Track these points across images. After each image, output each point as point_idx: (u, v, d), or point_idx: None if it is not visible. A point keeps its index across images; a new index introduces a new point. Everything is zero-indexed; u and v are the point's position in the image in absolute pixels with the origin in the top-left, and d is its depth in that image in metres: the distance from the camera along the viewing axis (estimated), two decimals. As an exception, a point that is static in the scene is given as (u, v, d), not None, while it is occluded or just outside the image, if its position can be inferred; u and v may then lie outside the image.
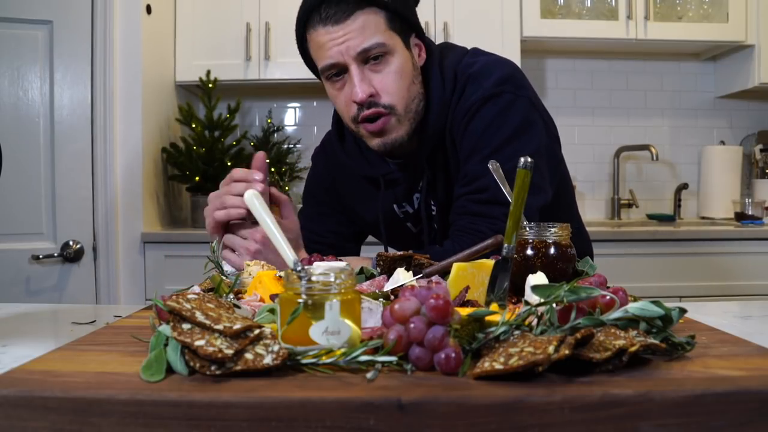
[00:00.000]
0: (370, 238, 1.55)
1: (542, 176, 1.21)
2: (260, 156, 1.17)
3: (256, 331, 0.60)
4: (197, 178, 2.71)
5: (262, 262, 0.95)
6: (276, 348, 0.59)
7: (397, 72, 1.18)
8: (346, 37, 1.15)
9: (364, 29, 1.15)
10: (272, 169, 2.89)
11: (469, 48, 1.33)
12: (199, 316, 0.61)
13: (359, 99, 1.16)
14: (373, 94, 1.17)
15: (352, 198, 1.42)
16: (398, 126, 1.21)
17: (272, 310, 0.71)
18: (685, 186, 3.18)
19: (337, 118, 1.37)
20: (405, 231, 1.38)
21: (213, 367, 0.56)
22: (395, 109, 1.19)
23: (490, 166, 1.08)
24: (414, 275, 0.87)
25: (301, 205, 1.54)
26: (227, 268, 1.14)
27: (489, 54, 1.30)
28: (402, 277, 0.86)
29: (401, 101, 1.20)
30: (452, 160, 1.25)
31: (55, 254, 2.35)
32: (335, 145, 1.37)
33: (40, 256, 2.32)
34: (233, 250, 1.14)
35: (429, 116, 1.24)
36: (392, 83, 1.18)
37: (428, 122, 1.24)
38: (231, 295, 0.82)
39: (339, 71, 1.19)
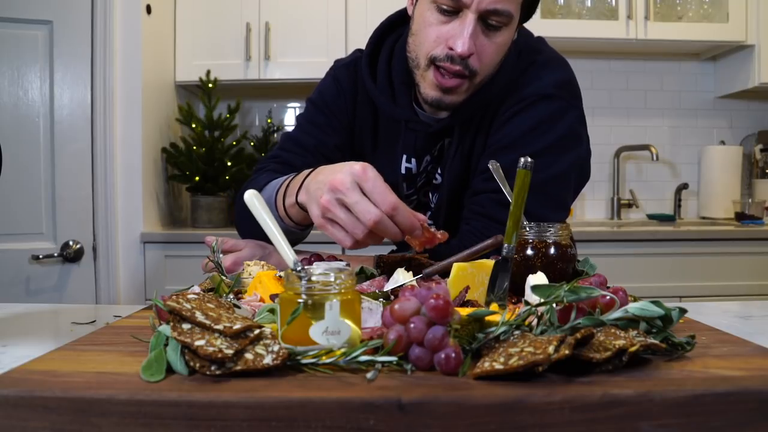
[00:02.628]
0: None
1: (569, 192, 1.20)
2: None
3: (256, 331, 0.60)
4: (197, 178, 2.71)
5: (262, 262, 0.95)
6: (276, 348, 0.59)
7: (501, 46, 1.13)
8: None
9: None
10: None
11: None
12: (199, 316, 0.61)
13: (460, 52, 1.09)
14: (472, 53, 1.11)
15: (365, 133, 1.32)
16: (463, 92, 1.15)
17: (272, 310, 0.71)
18: (685, 186, 3.18)
19: (371, 51, 1.28)
20: (396, 190, 1.32)
21: (213, 367, 0.56)
22: (476, 77, 1.14)
23: (490, 166, 1.08)
24: (414, 275, 0.87)
25: None
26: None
27: (552, 47, 1.27)
28: (402, 277, 0.86)
29: (484, 73, 1.14)
30: (482, 136, 1.21)
31: (55, 254, 2.35)
32: (365, 74, 1.27)
33: (40, 256, 2.32)
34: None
35: (485, 89, 1.18)
36: (492, 54, 1.13)
37: (481, 94, 1.18)
38: (231, 295, 0.82)
39: (452, 9, 1.10)
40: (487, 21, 1.10)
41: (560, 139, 1.17)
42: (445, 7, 1.10)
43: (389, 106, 1.25)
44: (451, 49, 1.10)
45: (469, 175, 1.23)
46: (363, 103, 1.30)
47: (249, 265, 0.94)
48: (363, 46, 1.32)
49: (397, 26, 1.30)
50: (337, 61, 1.38)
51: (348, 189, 0.86)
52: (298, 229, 1.12)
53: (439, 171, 1.28)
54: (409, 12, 1.21)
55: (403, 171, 1.28)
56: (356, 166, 0.87)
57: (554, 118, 1.17)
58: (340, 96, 1.32)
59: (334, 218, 0.89)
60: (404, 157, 1.27)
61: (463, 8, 1.09)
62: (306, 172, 1.01)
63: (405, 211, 0.87)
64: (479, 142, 1.22)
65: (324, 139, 1.30)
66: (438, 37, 1.12)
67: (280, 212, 1.09)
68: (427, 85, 1.16)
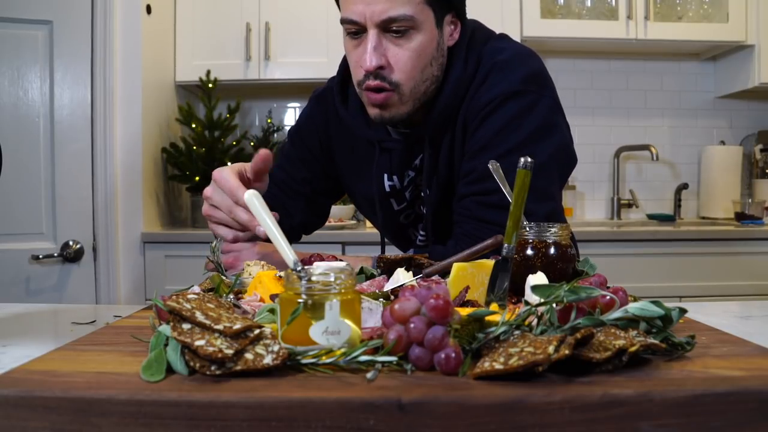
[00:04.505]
0: (370, 238, 1.54)
1: (552, 182, 1.18)
2: (263, 155, 1.12)
3: (256, 331, 0.60)
4: (197, 178, 2.71)
5: (262, 262, 0.95)
6: (276, 348, 0.59)
7: (415, 50, 1.12)
8: (376, 0, 1.09)
9: None
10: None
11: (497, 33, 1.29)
12: (199, 316, 0.61)
13: (366, 67, 1.11)
14: (384, 66, 1.12)
15: (343, 157, 1.37)
16: (399, 104, 1.16)
17: (272, 310, 0.71)
18: (685, 186, 3.18)
19: (342, 75, 1.31)
20: (387, 206, 1.33)
21: (213, 367, 0.56)
22: (400, 88, 1.14)
23: (490, 166, 1.08)
24: (414, 275, 0.87)
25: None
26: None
27: (516, 43, 1.26)
28: (402, 277, 0.85)
29: (409, 81, 1.14)
30: (458, 146, 1.21)
31: (55, 254, 2.35)
32: (337, 101, 1.31)
33: (40, 256, 2.32)
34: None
35: (440, 95, 1.19)
36: (407, 61, 1.13)
37: (438, 101, 1.19)
38: (231, 296, 0.82)
39: (358, 30, 1.13)
40: (389, 29, 1.11)
41: (534, 131, 1.15)
42: (350, 30, 1.14)
43: (362, 128, 1.28)
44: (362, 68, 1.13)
45: (452, 184, 1.24)
46: (338, 129, 1.34)
47: (249, 265, 0.94)
48: None
49: None
50: (314, 91, 1.43)
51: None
52: None
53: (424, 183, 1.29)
54: None
55: (387, 189, 1.31)
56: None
57: (525, 112, 1.15)
58: (312, 128, 1.39)
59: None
60: (385, 175, 1.30)
61: (364, 27, 1.11)
62: None
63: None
64: (457, 150, 1.21)
65: (293, 173, 1.40)
66: (355, 62, 1.16)
67: None
68: (367, 106, 1.19)
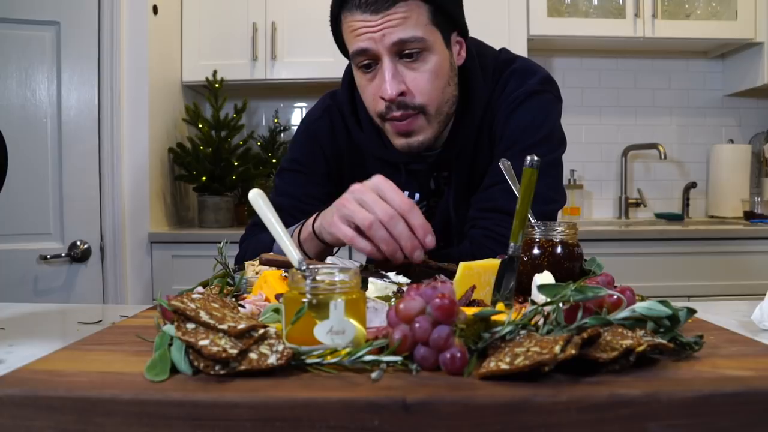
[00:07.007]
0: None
1: (559, 182, 1.24)
2: None
3: (261, 331, 0.60)
4: (204, 178, 2.71)
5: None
6: (280, 348, 0.58)
7: (432, 71, 1.12)
8: (384, 25, 1.07)
9: (405, 20, 1.07)
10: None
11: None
12: (204, 316, 0.61)
13: (388, 96, 1.10)
14: (405, 92, 1.11)
15: (353, 178, 1.28)
16: (427, 127, 1.15)
17: (277, 310, 0.71)
18: (693, 185, 3.16)
19: (349, 98, 1.28)
20: None
21: (217, 367, 0.56)
22: (426, 109, 1.13)
23: (501, 165, 1.07)
24: (411, 279, 0.87)
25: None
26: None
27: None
28: (373, 288, 0.83)
29: (433, 102, 1.14)
30: (485, 152, 1.22)
31: (63, 254, 2.36)
32: (352, 126, 1.27)
33: (48, 257, 2.33)
34: None
35: (467, 115, 1.20)
36: (426, 83, 1.12)
37: (466, 121, 1.20)
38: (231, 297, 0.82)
39: (370, 61, 1.11)
40: (402, 55, 1.10)
41: (552, 130, 1.21)
42: (363, 62, 1.12)
43: (383, 151, 1.25)
44: (383, 98, 1.12)
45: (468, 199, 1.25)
46: (349, 147, 1.30)
47: (254, 265, 0.93)
48: None
49: None
50: (309, 114, 1.36)
51: (366, 191, 0.90)
52: None
53: (429, 201, 1.29)
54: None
55: None
56: (376, 177, 0.91)
57: (545, 111, 1.21)
58: (316, 150, 1.30)
59: (348, 214, 0.91)
60: (407, 193, 1.27)
61: (377, 57, 1.10)
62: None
63: (420, 213, 0.89)
64: (478, 167, 1.23)
65: (304, 191, 1.29)
66: (373, 95, 1.14)
67: None
68: (391, 137, 1.18)
